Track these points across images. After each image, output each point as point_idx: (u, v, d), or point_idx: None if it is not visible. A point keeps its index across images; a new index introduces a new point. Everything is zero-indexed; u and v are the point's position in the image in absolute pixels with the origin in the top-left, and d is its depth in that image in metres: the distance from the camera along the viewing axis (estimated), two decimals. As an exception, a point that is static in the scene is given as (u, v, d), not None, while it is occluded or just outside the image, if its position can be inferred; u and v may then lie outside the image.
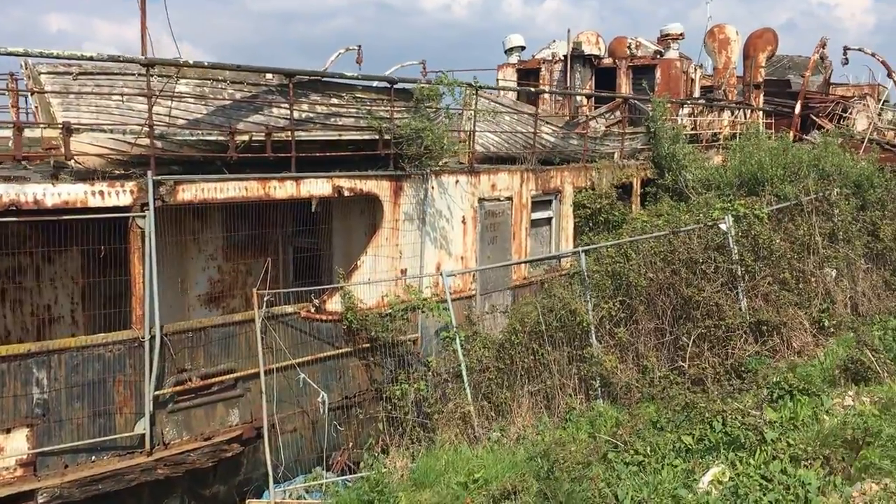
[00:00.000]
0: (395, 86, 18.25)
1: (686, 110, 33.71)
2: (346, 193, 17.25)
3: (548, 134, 24.01)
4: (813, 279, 21.16)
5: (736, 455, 12.32)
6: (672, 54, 37.56)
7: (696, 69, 39.85)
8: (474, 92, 20.31)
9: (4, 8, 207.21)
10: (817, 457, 11.64)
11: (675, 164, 26.32)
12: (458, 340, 17.23)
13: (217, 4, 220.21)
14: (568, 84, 37.32)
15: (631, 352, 18.27)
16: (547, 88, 24.46)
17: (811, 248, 21.57)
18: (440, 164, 19.63)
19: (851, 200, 23.82)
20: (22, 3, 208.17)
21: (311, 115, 17.15)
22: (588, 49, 38.80)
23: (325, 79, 17.41)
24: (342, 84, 17.62)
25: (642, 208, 25.93)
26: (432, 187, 19.01)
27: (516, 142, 23.02)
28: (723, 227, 19.60)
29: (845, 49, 43.57)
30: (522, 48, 40.56)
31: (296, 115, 16.67)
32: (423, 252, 18.90)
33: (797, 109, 39.03)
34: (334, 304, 17.25)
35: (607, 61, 38.26)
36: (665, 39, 38.29)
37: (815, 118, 45.70)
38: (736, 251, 19.40)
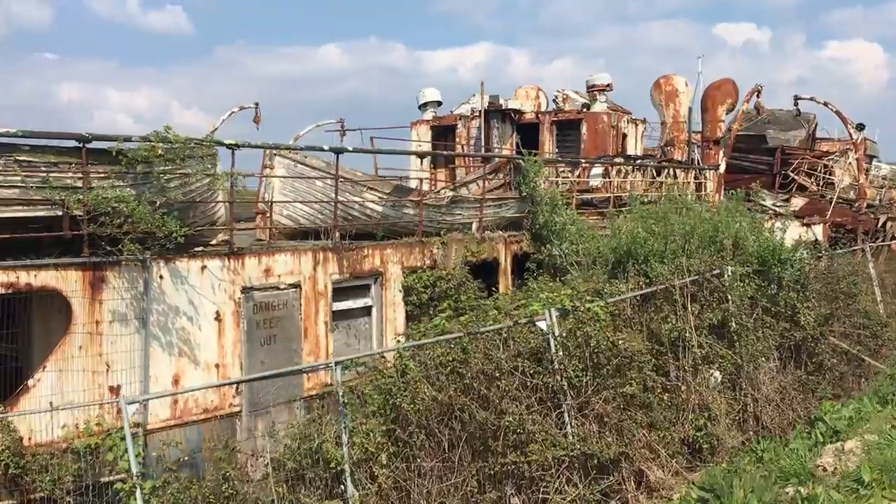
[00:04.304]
0: (90, 145, 13.59)
1: (598, 170, 29.02)
2: (1, 290, 12.60)
3: (373, 203, 19.27)
4: (684, 387, 16.27)
5: None
6: (599, 107, 33.05)
7: (632, 123, 35.32)
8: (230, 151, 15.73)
9: (18, 79, 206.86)
10: None
11: (553, 235, 21.57)
12: (139, 494, 12.32)
13: (220, 71, 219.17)
14: (485, 142, 33.00)
15: (401, 500, 13.36)
16: (350, 147, 19.78)
17: (686, 346, 16.71)
18: (211, 244, 15.97)
19: (751, 282, 18.82)
20: (34, 73, 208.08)
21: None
22: (526, 106, 34.55)
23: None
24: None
25: (518, 289, 21.08)
26: (159, 276, 14.33)
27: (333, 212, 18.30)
28: (541, 325, 14.75)
29: (796, 99, 39.12)
30: (438, 103, 36.36)
31: None
32: (147, 362, 14.16)
33: (721, 167, 34.23)
34: (-15, 440, 12.52)
35: (529, 116, 33.86)
36: (592, 91, 33.79)
37: (794, 176, 41.31)
38: (557, 359, 14.53)
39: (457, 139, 34.91)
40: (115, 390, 13.79)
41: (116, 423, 13.23)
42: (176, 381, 14.64)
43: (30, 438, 12.82)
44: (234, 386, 15.45)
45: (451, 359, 14.04)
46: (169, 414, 14.54)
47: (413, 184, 32.85)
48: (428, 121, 35.82)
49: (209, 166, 15.73)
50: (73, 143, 13.58)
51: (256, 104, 35.51)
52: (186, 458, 14.10)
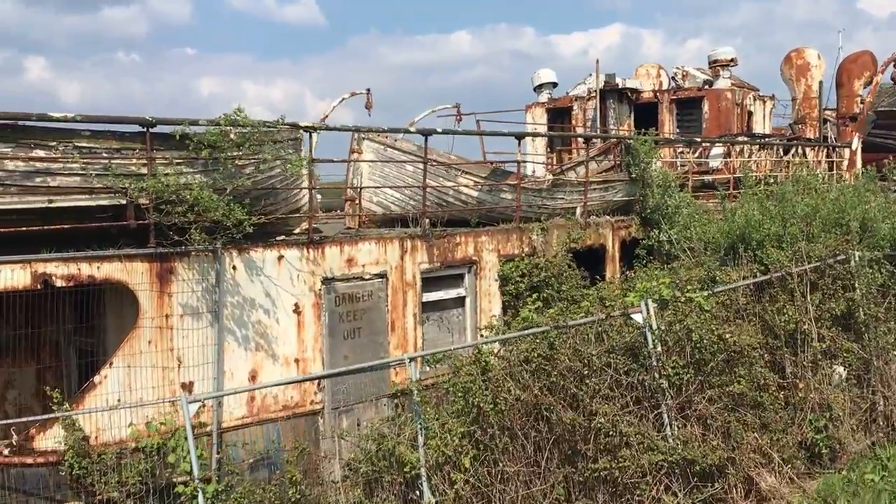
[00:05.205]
0: (154, 129, 12.90)
1: (719, 150, 27.47)
2: (61, 283, 11.99)
3: (468, 188, 18.29)
4: (802, 385, 14.92)
5: None
6: (722, 83, 31.38)
7: (759, 100, 33.52)
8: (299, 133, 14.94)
9: (162, 75, 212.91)
10: None
11: (665, 219, 20.29)
12: (200, 499, 11.63)
13: (352, 60, 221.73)
14: (600, 123, 31.73)
15: (481, 508, 12.38)
16: (439, 130, 18.50)
17: (804, 339, 15.35)
18: (295, 233, 15.29)
19: (882, 268, 17.27)
20: (177, 69, 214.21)
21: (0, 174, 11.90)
22: (646, 85, 33.16)
23: (21, 123, 12.04)
24: (52, 130, 12.29)
25: (627, 276, 19.89)
26: (232, 267, 13.61)
27: (428, 198, 17.37)
28: (637, 318, 13.57)
29: (938, 70, 36.63)
30: (554, 85, 35.04)
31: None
32: (221, 357, 13.47)
33: (855, 144, 32.16)
34: (50, 439, 11.97)
35: (648, 95, 32.40)
36: (715, 66, 32.11)
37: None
38: (655, 354, 13.34)
39: (573, 121, 33.64)
40: (187, 387, 13.13)
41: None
42: (253, 377, 13.93)
43: (96, 437, 12.26)
44: (316, 382, 14.70)
45: (536, 354, 12.97)
46: (245, 411, 13.85)
47: (528, 168, 31.91)
48: (543, 103, 34.64)
49: (290, 151, 14.92)
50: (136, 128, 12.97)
51: (368, 90, 34.61)
52: (252, 459, 13.41)
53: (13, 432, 12.08)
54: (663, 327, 13.80)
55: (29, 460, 11.88)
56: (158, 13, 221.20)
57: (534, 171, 29.46)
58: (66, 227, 12.18)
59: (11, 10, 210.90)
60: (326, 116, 32.00)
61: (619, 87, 32.15)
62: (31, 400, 15.19)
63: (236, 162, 13.69)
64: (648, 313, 13.71)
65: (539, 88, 34.97)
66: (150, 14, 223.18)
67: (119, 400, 12.40)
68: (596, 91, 31.52)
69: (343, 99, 35.32)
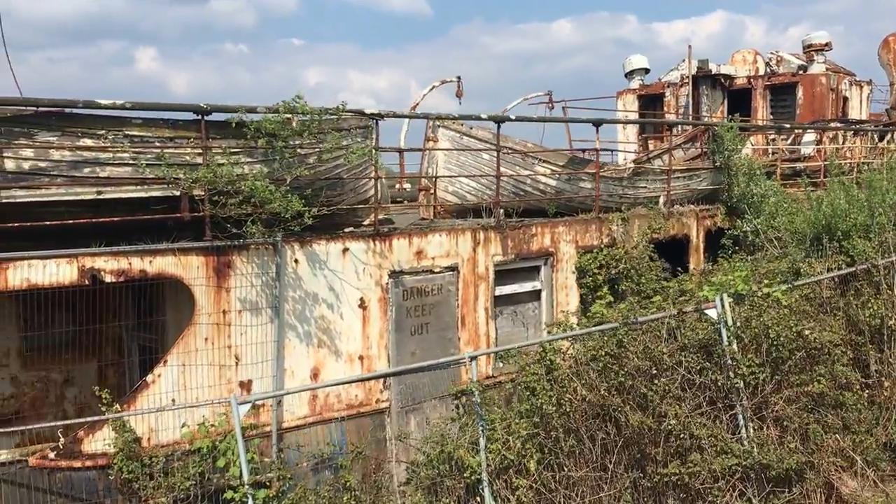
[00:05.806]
0: (210, 117, 12.45)
1: (811, 137, 26.33)
2: (110, 278, 11.60)
3: (546, 176, 17.63)
4: (888, 383, 14.03)
5: None
6: (817, 68, 30.17)
7: (855, 86, 32.19)
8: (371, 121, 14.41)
9: (269, 65, 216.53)
10: None
11: (751, 208, 19.41)
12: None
13: (456, 50, 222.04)
14: (693, 110, 30.78)
15: (546, 514, 11.77)
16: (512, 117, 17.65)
17: (891, 334, 14.45)
18: (364, 224, 14.82)
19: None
20: (284, 59, 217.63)
21: (46, 164, 11.54)
22: (741, 71, 32.12)
23: (68, 110, 11.66)
24: (102, 117, 11.90)
25: (707, 268, 19.11)
26: (294, 261, 13.17)
27: (504, 187, 16.80)
28: (711, 314, 12.79)
29: None
30: (646, 71, 34.18)
31: (8, 165, 11.21)
32: (280, 354, 13.05)
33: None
34: (99, 441, 11.66)
35: (741, 82, 31.35)
36: (809, 51, 30.91)
37: None
38: (730, 352, 12.56)
39: (665, 108, 32.73)
40: (244, 385, 12.73)
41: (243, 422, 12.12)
42: (315, 375, 13.50)
43: (148, 439, 11.91)
44: (382, 380, 14.20)
45: (604, 353, 12.29)
46: (307, 411, 13.43)
47: (620, 156, 31.15)
48: (634, 90, 33.80)
49: (359, 140, 14.36)
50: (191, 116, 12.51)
51: (458, 77, 34.05)
52: (307, 462, 12.93)
53: (60, 434, 11.80)
54: (739, 323, 13.04)
55: (77, 464, 11.56)
56: (266, 4, 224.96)
57: (625, 159, 28.71)
58: (115, 219, 11.75)
59: (123, 2, 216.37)
60: (417, 104, 31.56)
61: (713, 73, 31.21)
62: (92, 398, 14.94)
63: (298, 151, 13.19)
64: (724, 309, 12.95)
65: (630, 75, 34.21)
66: (257, 5, 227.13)
67: (173, 400, 12.03)
68: (688, 77, 30.61)
69: (433, 87, 34.78)
